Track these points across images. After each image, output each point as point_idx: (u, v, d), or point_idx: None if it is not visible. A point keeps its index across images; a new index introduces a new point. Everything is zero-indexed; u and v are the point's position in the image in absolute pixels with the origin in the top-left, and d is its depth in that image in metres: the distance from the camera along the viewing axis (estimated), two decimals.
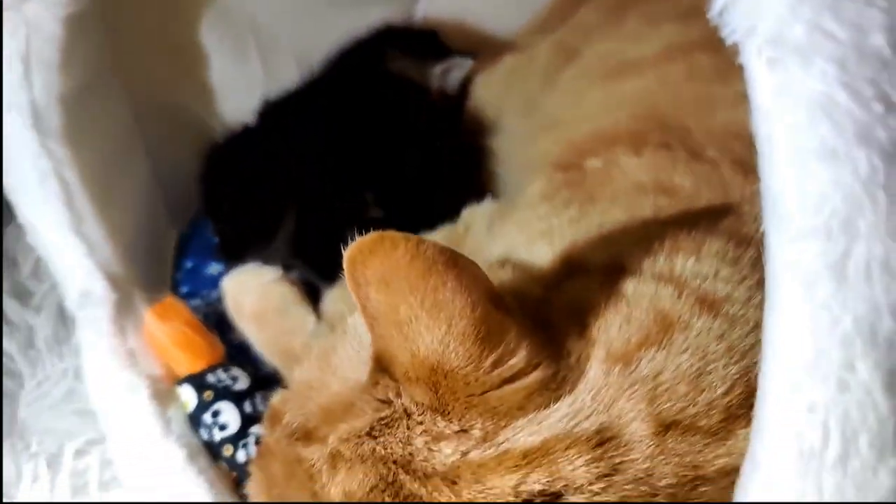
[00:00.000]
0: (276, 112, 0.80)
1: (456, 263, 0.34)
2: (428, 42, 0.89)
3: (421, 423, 0.34)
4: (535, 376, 0.34)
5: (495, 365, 0.34)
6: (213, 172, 0.79)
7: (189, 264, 0.76)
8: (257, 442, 0.56)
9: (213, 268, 0.75)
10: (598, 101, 0.65)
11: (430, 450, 0.33)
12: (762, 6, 0.28)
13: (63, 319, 0.69)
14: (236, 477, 0.56)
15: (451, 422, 0.34)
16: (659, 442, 0.33)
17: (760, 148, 0.30)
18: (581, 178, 0.53)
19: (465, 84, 0.88)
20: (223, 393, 0.59)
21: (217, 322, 0.66)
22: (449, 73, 0.86)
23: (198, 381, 0.59)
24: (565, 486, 0.32)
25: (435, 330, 0.33)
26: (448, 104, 0.86)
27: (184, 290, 0.73)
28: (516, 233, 0.51)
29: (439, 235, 0.62)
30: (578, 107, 0.67)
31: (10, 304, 0.71)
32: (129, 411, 0.57)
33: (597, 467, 0.32)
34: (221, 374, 0.61)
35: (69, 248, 0.61)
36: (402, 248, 0.33)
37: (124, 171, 0.72)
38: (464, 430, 0.34)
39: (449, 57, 0.85)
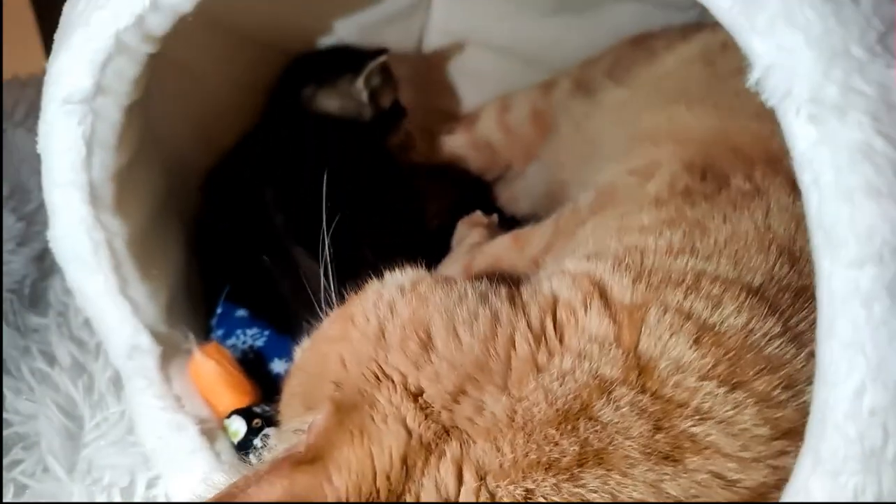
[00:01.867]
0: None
1: None
2: (340, 59, 0.92)
3: None
4: None
5: None
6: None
7: (220, 309, 0.80)
8: None
9: (240, 311, 0.80)
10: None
11: None
12: (797, 73, 0.34)
13: None
14: None
15: None
16: None
17: (805, 191, 0.35)
18: (714, 191, 0.52)
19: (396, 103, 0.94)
20: (270, 420, 0.63)
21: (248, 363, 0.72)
22: (371, 82, 0.90)
23: (246, 412, 0.65)
24: None
25: None
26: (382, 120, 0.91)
27: (219, 332, 0.77)
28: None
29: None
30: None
31: (71, 349, 0.76)
32: (181, 448, 0.62)
33: None
34: (265, 407, 0.66)
35: (117, 309, 0.64)
36: None
37: (161, 234, 0.76)
38: None
39: (364, 65, 0.88)
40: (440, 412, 0.42)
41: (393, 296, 0.50)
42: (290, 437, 0.49)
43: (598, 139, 0.77)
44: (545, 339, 0.46)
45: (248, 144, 0.85)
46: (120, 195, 0.63)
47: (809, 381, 0.40)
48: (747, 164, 0.53)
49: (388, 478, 0.39)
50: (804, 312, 0.44)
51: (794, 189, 0.47)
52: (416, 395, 0.43)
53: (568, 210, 0.65)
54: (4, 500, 0.63)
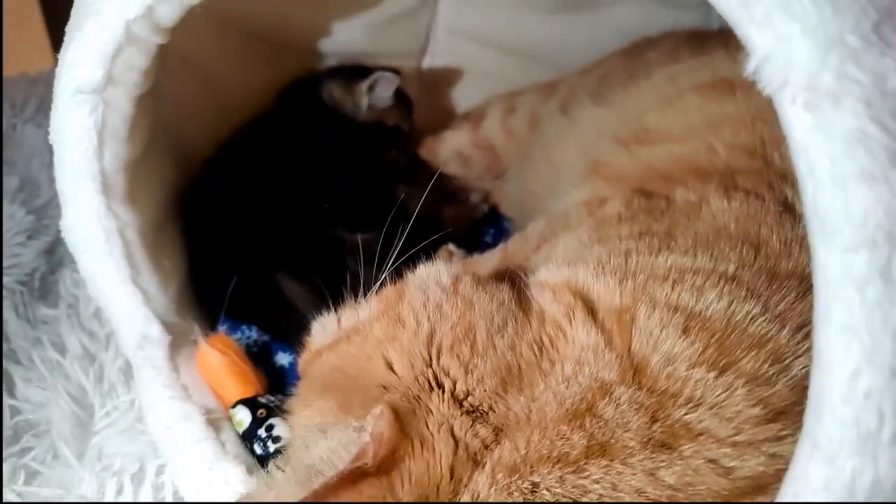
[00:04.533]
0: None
1: None
2: (361, 69, 0.98)
3: None
4: None
5: None
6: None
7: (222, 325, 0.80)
8: None
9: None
10: (694, 112, 0.67)
11: None
12: (793, 62, 0.34)
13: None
14: None
15: None
16: None
17: (801, 179, 0.35)
18: (664, 208, 0.56)
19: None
20: (275, 411, 0.64)
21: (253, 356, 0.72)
22: (375, 87, 0.95)
23: (251, 402, 0.65)
24: None
25: None
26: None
27: (224, 326, 0.78)
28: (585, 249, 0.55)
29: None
30: (668, 113, 0.69)
31: (83, 339, 0.77)
32: (187, 438, 0.62)
33: None
34: (270, 397, 0.67)
35: (129, 298, 0.65)
36: None
37: (171, 226, 0.77)
38: None
39: (372, 73, 0.94)
40: (487, 413, 0.44)
41: (440, 298, 0.51)
42: (304, 432, 0.50)
43: (563, 162, 0.79)
44: (545, 348, 0.47)
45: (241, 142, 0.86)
46: (132, 186, 0.64)
47: (796, 354, 0.41)
48: (680, 183, 0.58)
49: (437, 488, 0.40)
50: (782, 293, 0.45)
51: (725, 191, 0.55)
52: (463, 400, 0.45)
53: (516, 238, 0.68)
54: (15, 486, 0.64)
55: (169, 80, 0.80)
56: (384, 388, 0.47)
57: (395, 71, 0.97)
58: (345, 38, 0.99)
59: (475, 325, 0.48)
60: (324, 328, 0.55)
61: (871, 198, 0.32)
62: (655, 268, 0.49)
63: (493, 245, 0.84)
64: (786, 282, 0.46)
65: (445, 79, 1.16)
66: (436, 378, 0.46)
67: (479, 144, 1.00)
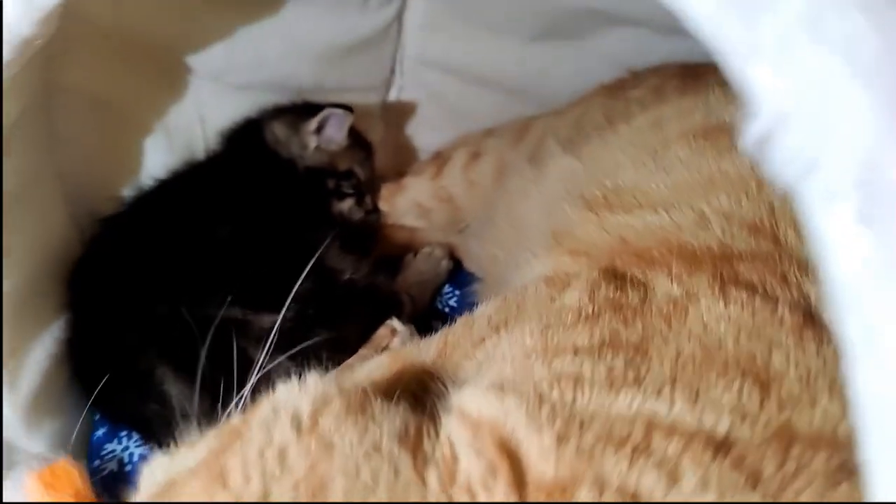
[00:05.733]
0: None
1: None
2: (305, 106, 0.86)
3: None
4: None
5: None
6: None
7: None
8: None
9: None
10: (680, 167, 0.52)
11: None
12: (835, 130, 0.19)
13: None
14: None
15: None
16: None
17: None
18: (638, 304, 0.41)
19: None
20: None
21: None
22: (324, 127, 0.83)
23: None
24: None
25: None
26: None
27: (100, 432, 0.64)
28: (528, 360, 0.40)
29: None
30: (646, 170, 0.54)
31: None
32: None
33: None
34: None
35: None
36: None
37: (48, 297, 0.62)
38: None
39: (322, 110, 0.82)
40: None
41: (286, 439, 0.36)
42: None
43: (528, 224, 0.64)
44: None
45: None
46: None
47: None
48: (661, 267, 0.44)
49: None
50: (801, 478, 0.29)
51: (722, 286, 0.40)
52: None
53: (460, 324, 0.52)
54: None
55: (68, 122, 0.67)
56: None
57: (348, 108, 0.83)
58: (287, 72, 0.84)
59: (328, 483, 0.33)
60: (152, 474, 0.40)
61: None
62: (613, 417, 0.33)
63: (458, 312, 0.70)
64: (807, 454, 0.30)
65: (414, 116, 1.02)
66: None
67: (438, 195, 0.85)
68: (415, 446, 0.37)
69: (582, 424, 0.33)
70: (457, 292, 0.85)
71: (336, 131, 0.84)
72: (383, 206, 0.89)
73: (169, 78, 0.75)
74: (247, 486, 0.34)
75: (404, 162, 1.02)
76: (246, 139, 0.80)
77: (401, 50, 0.94)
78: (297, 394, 0.40)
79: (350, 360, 0.62)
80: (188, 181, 0.73)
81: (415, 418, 0.40)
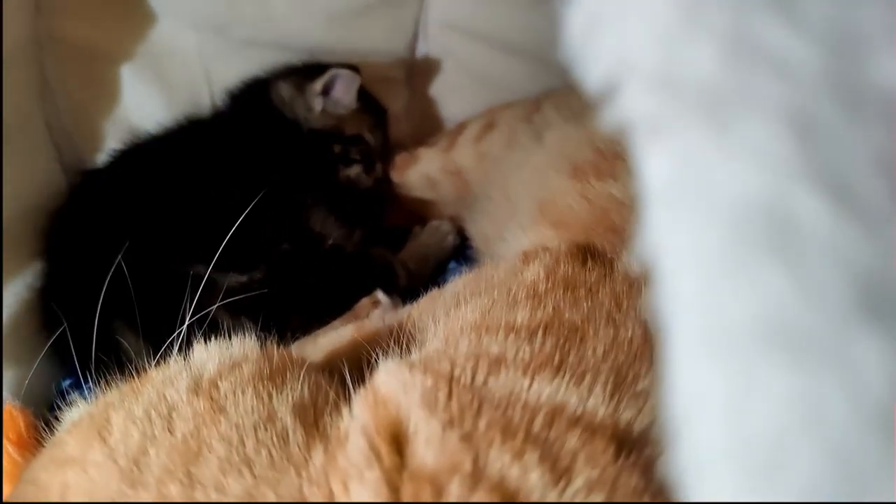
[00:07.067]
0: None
1: None
2: (314, 66, 0.82)
3: None
4: None
5: None
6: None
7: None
8: None
9: None
10: None
11: None
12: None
13: None
14: None
15: None
16: None
17: None
18: (594, 283, 0.38)
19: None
20: None
21: None
22: (331, 88, 0.79)
23: None
24: None
25: None
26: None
27: (66, 383, 0.64)
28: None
29: None
30: None
31: None
32: None
33: None
34: None
35: None
36: None
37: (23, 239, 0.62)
38: None
39: (328, 71, 0.79)
40: None
41: (176, 400, 0.33)
42: None
43: (520, 196, 0.58)
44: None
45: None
46: None
47: None
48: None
49: None
50: None
51: None
52: None
53: (427, 298, 0.50)
54: None
55: (58, 72, 0.67)
56: None
57: (355, 69, 0.80)
58: (295, 30, 0.81)
59: (204, 451, 0.29)
60: (71, 418, 0.38)
61: None
62: (519, 404, 0.28)
63: None
64: None
65: (440, 84, 0.97)
66: None
67: (447, 168, 0.80)
68: (315, 421, 0.33)
69: (480, 409, 0.28)
70: (462, 269, 0.80)
71: (343, 93, 0.81)
72: (394, 176, 0.85)
73: (166, 30, 0.74)
74: (123, 442, 0.32)
75: (429, 133, 0.97)
76: (252, 98, 0.78)
77: (424, 12, 0.90)
78: (210, 355, 0.37)
79: (321, 330, 0.58)
80: (182, 137, 0.71)
81: (332, 392, 0.36)
